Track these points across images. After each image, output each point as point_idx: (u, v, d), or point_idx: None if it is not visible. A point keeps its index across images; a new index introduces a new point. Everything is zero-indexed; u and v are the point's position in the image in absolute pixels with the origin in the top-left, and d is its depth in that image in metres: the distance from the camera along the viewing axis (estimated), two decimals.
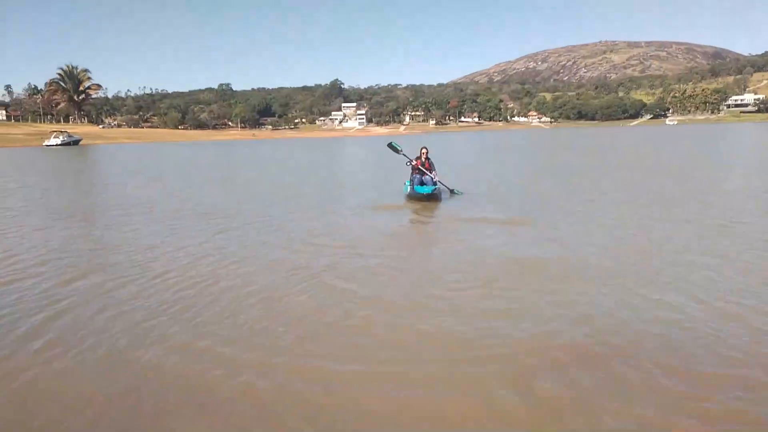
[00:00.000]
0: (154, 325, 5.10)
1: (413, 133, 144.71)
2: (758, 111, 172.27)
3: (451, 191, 13.90)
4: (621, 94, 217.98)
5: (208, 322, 5.17)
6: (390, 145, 14.85)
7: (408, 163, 13.78)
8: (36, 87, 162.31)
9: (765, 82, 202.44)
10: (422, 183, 13.35)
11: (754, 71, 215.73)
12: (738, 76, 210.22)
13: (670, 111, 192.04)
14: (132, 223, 10.89)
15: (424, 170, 13.50)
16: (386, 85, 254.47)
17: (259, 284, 6.39)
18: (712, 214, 10.23)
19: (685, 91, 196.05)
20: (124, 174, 26.86)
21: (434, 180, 13.41)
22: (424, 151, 13.72)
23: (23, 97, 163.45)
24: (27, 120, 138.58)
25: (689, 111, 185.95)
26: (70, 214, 12.77)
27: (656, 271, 6.49)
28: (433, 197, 12.89)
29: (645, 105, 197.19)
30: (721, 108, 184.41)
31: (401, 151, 14.48)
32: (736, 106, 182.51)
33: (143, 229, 10.31)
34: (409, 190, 13.46)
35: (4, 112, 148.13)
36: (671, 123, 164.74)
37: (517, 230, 9.37)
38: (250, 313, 5.42)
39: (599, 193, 14.24)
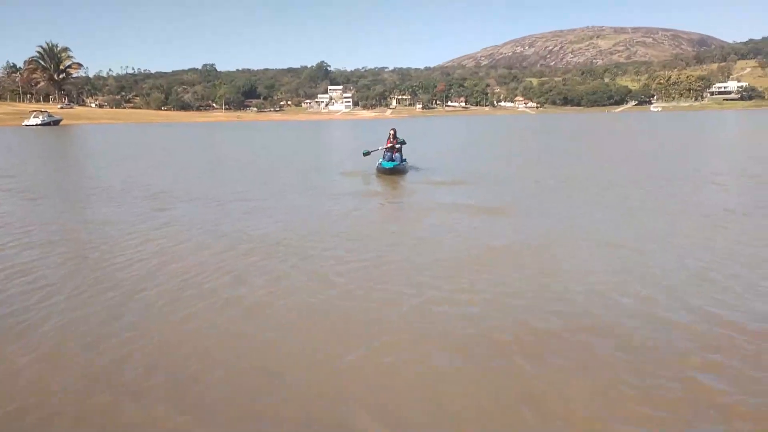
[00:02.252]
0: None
1: (400, 117, 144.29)
2: (741, 99, 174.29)
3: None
4: (607, 80, 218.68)
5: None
6: (365, 153, 17.23)
7: (382, 148, 16.12)
8: (15, 65, 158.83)
9: (748, 69, 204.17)
10: (391, 159, 15.54)
11: (738, 59, 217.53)
12: (722, 64, 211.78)
13: (655, 98, 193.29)
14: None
15: (393, 149, 15.77)
16: (373, 68, 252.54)
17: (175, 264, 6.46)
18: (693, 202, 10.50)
19: (670, 78, 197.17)
20: (94, 156, 26.79)
21: (395, 156, 15.72)
22: (392, 132, 16.19)
23: (1, 75, 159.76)
24: (6, 99, 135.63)
25: (673, 98, 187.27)
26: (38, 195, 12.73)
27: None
28: (395, 171, 15.22)
29: (630, 91, 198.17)
30: (705, 95, 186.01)
31: (372, 151, 16.91)
32: (720, 93, 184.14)
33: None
34: (377, 165, 15.65)
35: None
36: (655, 110, 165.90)
37: (490, 217, 9.50)
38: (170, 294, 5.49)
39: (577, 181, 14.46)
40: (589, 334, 4.53)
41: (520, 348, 4.30)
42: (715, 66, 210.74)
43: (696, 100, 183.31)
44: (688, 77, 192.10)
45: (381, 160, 15.69)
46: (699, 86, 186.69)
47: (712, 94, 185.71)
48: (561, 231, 8.28)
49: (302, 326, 4.82)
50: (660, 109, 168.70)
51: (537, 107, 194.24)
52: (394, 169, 15.18)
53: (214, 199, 11.75)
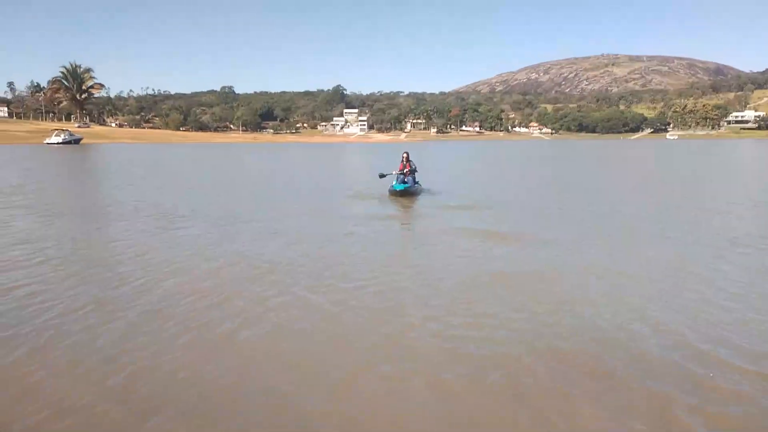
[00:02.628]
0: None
1: (414, 141, 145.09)
2: (759, 128, 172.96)
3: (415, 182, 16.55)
4: (622, 107, 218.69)
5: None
6: (381, 176, 17.17)
7: (396, 172, 16.38)
8: (39, 85, 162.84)
9: (765, 99, 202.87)
10: (403, 182, 15.90)
11: (755, 88, 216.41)
12: (739, 93, 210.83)
13: (671, 126, 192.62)
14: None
15: (406, 172, 16.11)
16: (388, 92, 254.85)
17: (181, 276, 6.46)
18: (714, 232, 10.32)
19: (686, 106, 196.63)
20: (111, 174, 27.18)
21: (408, 179, 16.03)
22: (404, 155, 16.45)
23: (26, 94, 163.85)
24: (29, 117, 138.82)
25: (690, 126, 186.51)
26: (58, 213, 12.93)
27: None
28: (406, 193, 15.44)
29: (646, 119, 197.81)
30: (721, 124, 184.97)
31: (387, 174, 16.91)
32: (737, 122, 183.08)
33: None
34: (389, 188, 15.88)
35: (6, 109, 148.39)
36: (672, 137, 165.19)
37: (499, 243, 9.41)
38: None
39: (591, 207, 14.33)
40: (601, 362, 4.47)
41: (532, 375, 4.25)
42: (731, 95, 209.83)
43: (713, 128, 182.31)
44: (704, 106, 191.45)
45: (393, 182, 15.96)
46: (716, 115, 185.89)
47: (729, 123, 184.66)
48: (573, 259, 8.14)
49: (315, 350, 4.79)
50: (676, 137, 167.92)
51: (552, 133, 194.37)
52: (404, 192, 15.43)
53: (226, 219, 11.81)
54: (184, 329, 5.18)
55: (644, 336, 4.99)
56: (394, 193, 15.44)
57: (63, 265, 7.68)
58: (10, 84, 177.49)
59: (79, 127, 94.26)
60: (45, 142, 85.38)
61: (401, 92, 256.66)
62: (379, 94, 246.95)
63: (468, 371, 4.31)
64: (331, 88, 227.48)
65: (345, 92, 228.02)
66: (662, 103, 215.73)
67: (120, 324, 5.29)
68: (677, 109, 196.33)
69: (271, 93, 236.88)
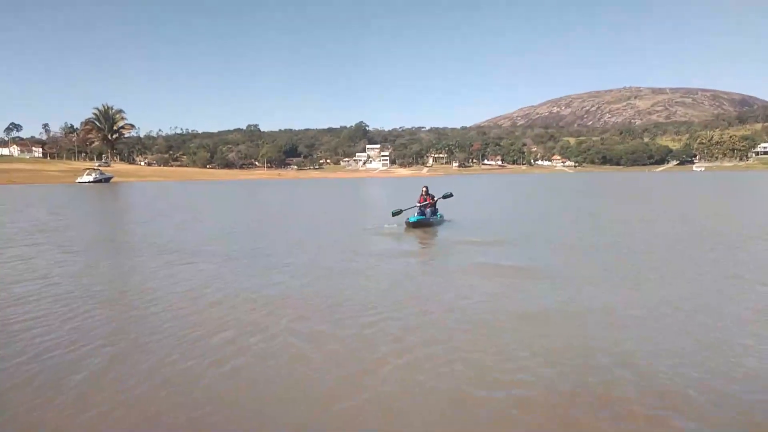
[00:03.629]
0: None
1: (436, 175, 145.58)
2: None
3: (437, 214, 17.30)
4: (646, 139, 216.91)
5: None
6: (394, 213, 17.38)
7: (414, 207, 17.03)
8: (72, 126, 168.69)
9: None
10: (422, 214, 16.47)
11: None
12: (766, 123, 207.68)
13: (697, 157, 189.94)
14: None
15: (426, 205, 16.76)
16: (410, 127, 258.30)
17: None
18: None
19: (713, 137, 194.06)
20: (137, 211, 27.67)
21: (426, 211, 16.65)
22: (424, 189, 17.24)
23: (59, 135, 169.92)
24: (62, 157, 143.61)
25: (716, 158, 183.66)
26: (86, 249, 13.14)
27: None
28: (419, 224, 15.92)
29: (671, 151, 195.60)
30: (749, 155, 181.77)
31: (405, 209, 17.36)
32: (765, 153, 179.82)
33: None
34: (405, 220, 16.36)
35: (41, 149, 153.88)
36: (698, 169, 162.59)
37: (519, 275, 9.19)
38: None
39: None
40: (620, 403, 4.36)
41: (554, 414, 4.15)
42: (759, 126, 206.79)
43: (740, 160, 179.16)
44: (731, 137, 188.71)
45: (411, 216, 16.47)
46: (743, 146, 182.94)
47: (757, 154, 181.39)
48: (598, 298, 7.89)
49: (335, 390, 4.75)
50: (703, 168, 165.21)
51: (575, 166, 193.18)
52: (418, 223, 15.91)
53: (248, 255, 11.85)
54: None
55: (659, 379, 4.78)
56: (409, 225, 15.92)
57: (82, 301, 7.75)
58: (45, 125, 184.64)
59: (98, 166, 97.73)
60: (77, 181, 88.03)
61: (423, 127, 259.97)
62: (401, 129, 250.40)
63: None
64: (353, 125, 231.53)
65: (367, 128, 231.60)
66: (687, 135, 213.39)
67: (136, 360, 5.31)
68: (703, 141, 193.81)
69: (295, 130, 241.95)
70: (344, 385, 4.79)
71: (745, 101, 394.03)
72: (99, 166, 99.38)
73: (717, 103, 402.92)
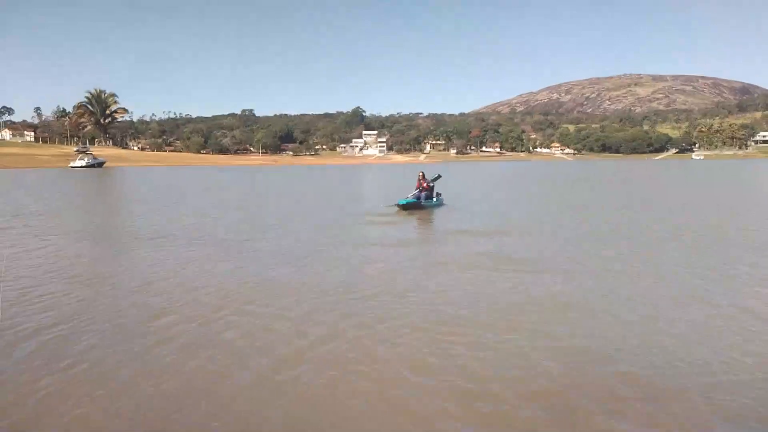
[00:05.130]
0: None
1: (434, 162, 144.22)
2: None
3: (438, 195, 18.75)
4: (646, 127, 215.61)
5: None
6: (399, 205, 17.63)
7: (412, 194, 17.83)
8: (64, 110, 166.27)
9: None
10: (417, 198, 17.53)
11: None
12: (766, 112, 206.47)
13: (697, 146, 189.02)
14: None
15: (422, 189, 17.79)
16: (408, 113, 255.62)
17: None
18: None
19: (712, 125, 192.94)
20: (130, 197, 26.92)
21: (421, 195, 17.68)
22: (420, 174, 18.58)
23: (51, 119, 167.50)
24: (54, 142, 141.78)
25: (716, 146, 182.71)
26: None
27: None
28: (409, 207, 16.98)
29: (670, 139, 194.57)
30: (748, 144, 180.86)
31: (407, 197, 17.79)
32: (765, 142, 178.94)
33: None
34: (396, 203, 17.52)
35: (33, 133, 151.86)
36: (698, 158, 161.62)
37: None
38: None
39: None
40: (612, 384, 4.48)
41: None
42: (758, 114, 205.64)
43: (740, 148, 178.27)
44: (731, 125, 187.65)
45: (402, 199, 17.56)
46: (743, 135, 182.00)
47: (756, 142, 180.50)
48: (595, 288, 7.56)
49: (328, 382, 4.60)
50: (702, 157, 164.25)
51: (574, 153, 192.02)
52: (407, 206, 16.95)
53: (233, 241, 11.78)
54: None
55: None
56: (400, 207, 16.99)
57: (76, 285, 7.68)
58: (37, 109, 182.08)
59: (77, 151, 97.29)
60: (69, 165, 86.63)
61: (420, 113, 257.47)
62: (398, 115, 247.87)
63: None
64: (350, 110, 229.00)
65: (364, 114, 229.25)
66: (687, 123, 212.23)
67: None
68: (703, 129, 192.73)
69: (290, 115, 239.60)
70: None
71: (745, 89, 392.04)
72: (78, 150, 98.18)
73: (717, 91, 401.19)
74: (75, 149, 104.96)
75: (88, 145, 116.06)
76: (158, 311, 6.44)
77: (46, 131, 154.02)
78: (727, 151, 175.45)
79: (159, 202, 23.43)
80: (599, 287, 7.61)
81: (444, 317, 6.16)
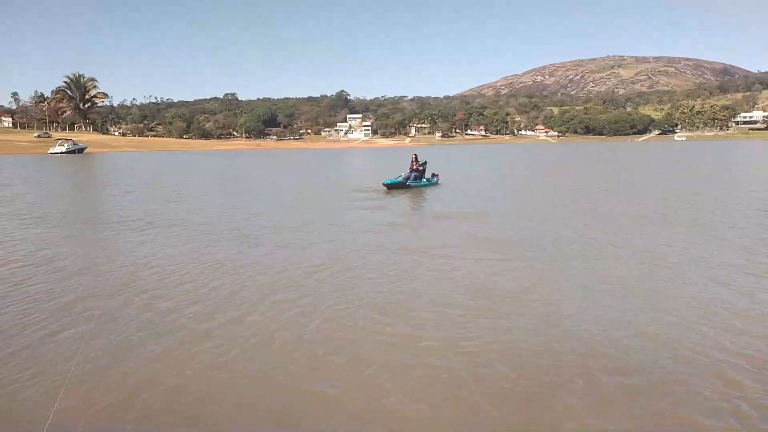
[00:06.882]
0: None
1: (419, 145, 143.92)
2: (767, 128, 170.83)
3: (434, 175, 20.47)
4: (629, 109, 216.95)
5: None
6: (385, 184, 18.77)
7: (404, 174, 19.21)
8: (42, 95, 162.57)
9: None
10: (407, 179, 18.77)
11: (763, 88, 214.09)
12: (747, 93, 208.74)
13: (679, 127, 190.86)
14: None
15: (413, 170, 19.20)
16: (392, 96, 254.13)
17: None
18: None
19: (694, 107, 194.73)
20: (109, 184, 26.63)
21: (412, 176, 19.10)
22: (413, 156, 20.00)
23: (29, 104, 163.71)
24: (33, 127, 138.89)
25: (698, 127, 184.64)
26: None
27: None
28: (393, 186, 18.13)
29: (653, 120, 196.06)
30: (729, 125, 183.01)
31: (398, 177, 19.04)
32: (745, 123, 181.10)
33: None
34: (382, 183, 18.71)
35: (10, 119, 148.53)
36: (680, 139, 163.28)
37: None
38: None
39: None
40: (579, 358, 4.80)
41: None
42: (739, 95, 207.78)
43: (721, 129, 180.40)
44: (712, 107, 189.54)
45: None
46: (724, 116, 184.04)
47: (737, 123, 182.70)
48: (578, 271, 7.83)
49: (318, 365, 4.86)
50: (684, 138, 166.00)
51: (558, 136, 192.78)
52: (392, 185, 18.18)
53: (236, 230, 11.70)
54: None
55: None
56: (386, 186, 18.12)
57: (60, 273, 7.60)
58: (14, 94, 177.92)
59: (38, 137, 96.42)
60: (49, 152, 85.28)
61: (405, 96, 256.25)
62: (382, 98, 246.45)
63: None
64: (334, 94, 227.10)
65: (348, 97, 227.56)
66: (669, 105, 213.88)
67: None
68: (685, 111, 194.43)
69: (274, 99, 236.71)
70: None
71: (726, 70, 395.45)
72: (39, 135, 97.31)
73: (699, 73, 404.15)
74: (36, 134, 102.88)
75: (49, 131, 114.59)
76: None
77: (24, 117, 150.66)
78: (709, 132, 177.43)
79: (126, 191, 23.13)
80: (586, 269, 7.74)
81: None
